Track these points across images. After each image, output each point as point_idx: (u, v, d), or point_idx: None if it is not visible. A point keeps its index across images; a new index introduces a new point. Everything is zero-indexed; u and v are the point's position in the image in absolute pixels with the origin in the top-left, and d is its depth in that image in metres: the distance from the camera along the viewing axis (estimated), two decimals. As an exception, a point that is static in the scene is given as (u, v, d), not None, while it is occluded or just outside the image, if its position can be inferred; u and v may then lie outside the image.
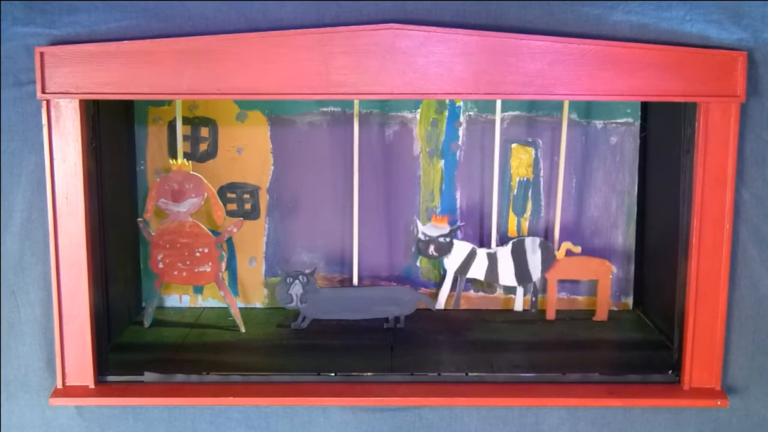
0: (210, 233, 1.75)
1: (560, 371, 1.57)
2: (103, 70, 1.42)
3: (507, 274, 1.83)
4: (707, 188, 1.47)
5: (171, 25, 1.44)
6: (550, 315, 1.85)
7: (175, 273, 1.76)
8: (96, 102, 1.50)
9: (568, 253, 1.83)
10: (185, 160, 1.74)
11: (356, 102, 1.77)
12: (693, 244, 1.49)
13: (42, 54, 1.41)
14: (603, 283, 1.84)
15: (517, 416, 1.60)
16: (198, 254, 1.75)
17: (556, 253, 1.83)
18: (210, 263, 1.75)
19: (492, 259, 1.82)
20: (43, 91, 1.42)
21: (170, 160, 1.76)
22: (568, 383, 1.55)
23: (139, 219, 1.77)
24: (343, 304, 1.77)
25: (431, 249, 1.79)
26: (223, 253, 1.77)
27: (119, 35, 1.43)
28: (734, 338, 1.57)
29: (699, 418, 1.60)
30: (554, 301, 1.86)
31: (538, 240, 1.82)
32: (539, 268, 1.82)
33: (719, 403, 1.52)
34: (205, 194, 1.74)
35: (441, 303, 1.86)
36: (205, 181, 1.74)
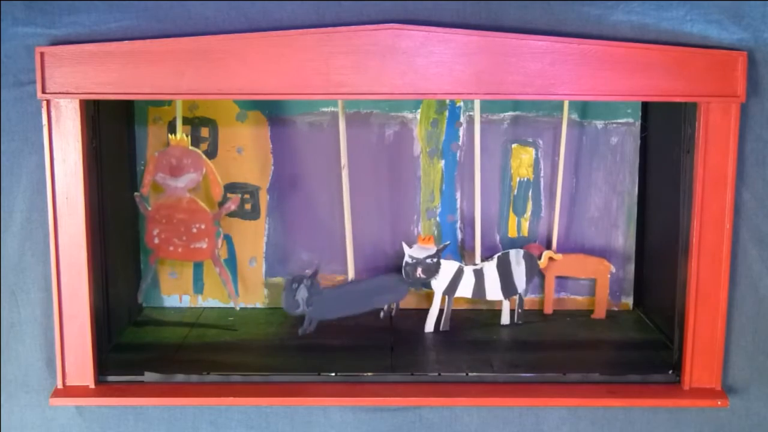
0: (207, 209, 1.74)
1: (560, 371, 1.57)
2: (103, 70, 1.42)
3: (493, 289, 1.77)
4: (707, 188, 1.47)
5: (171, 25, 1.44)
6: (548, 310, 1.86)
7: (171, 248, 1.75)
8: (96, 102, 1.50)
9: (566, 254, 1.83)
10: (184, 135, 1.73)
11: (340, 102, 1.76)
12: (693, 244, 1.49)
13: (42, 54, 1.41)
14: (601, 281, 1.84)
15: (518, 416, 1.60)
16: (195, 230, 1.73)
17: (539, 263, 1.80)
18: (206, 239, 1.74)
19: (479, 275, 1.76)
20: (44, 91, 1.42)
21: (169, 135, 1.74)
22: (568, 383, 1.55)
23: (136, 193, 1.75)
24: (345, 301, 1.77)
25: (419, 271, 1.72)
26: (220, 229, 1.75)
27: (119, 35, 1.43)
28: (734, 338, 1.56)
29: (699, 418, 1.60)
30: (551, 297, 1.86)
31: (521, 252, 1.78)
32: (524, 279, 1.78)
33: (719, 403, 1.52)
34: (204, 169, 1.73)
35: (430, 326, 1.76)
36: (204, 156, 1.73)
